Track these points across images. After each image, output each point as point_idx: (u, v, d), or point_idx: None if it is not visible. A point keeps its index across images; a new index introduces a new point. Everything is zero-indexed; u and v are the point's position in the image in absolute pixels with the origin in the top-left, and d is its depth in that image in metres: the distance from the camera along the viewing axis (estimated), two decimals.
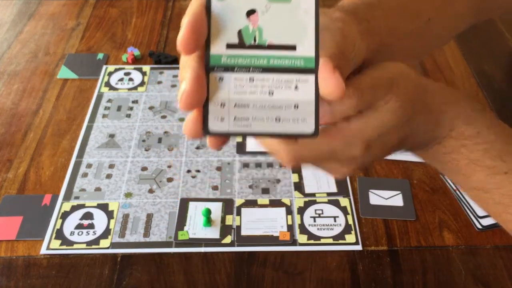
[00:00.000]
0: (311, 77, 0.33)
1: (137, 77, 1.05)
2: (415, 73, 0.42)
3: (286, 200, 0.80)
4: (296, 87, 0.33)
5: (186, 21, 0.33)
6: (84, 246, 0.74)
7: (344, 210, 0.79)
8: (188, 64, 0.34)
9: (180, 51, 0.33)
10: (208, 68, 0.33)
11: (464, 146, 0.43)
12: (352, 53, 0.38)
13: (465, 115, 0.43)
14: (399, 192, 0.82)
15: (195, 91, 0.33)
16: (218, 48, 0.33)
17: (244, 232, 0.76)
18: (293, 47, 0.33)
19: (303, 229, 0.76)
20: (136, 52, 1.10)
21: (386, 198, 0.81)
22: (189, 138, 0.37)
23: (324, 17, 0.37)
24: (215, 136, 0.34)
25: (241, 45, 0.33)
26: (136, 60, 1.10)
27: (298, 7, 0.33)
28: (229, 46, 0.33)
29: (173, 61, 1.09)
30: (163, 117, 0.96)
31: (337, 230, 0.76)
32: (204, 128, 0.33)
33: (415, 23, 0.53)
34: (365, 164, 0.42)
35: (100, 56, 1.11)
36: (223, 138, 0.35)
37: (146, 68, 1.07)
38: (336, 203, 0.80)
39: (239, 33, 0.33)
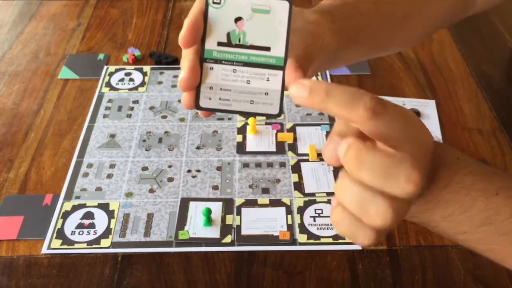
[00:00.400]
0: (280, 73, 0.43)
1: (137, 77, 1.05)
2: None
3: (286, 200, 0.81)
4: (267, 79, 0.43)
5: (187, 22, 0.42)
6: (84, 245, 0.74)
7: None
8: (186, 56, 0.43)
9: (181, 45, 0.42)
10: (202, 59, 0.43)
11: (456, 173, 0.42)
12: (319, 49, 0.48)
13: (439, 144, 0.44)
14: None
15: (191, 77, 0.43)
16: (211, 44, 0.43)
17: (244, 231, 0.76)
18: (268, 49, 0.43)
19: (303, 229, 0.76)
20: (137, 52, 1.10)
21: None
22: (185, 108, 0.43)
23: (300, 19, 0.46)
24: (204, 110, 0.44)
25: (228, 43, 0.43)
26: (136, 61, 1.10)
27: (275, 18, 0.42)
28: (219, 43, 0.43)
29: (174, 61, 1.09)
30: (164, 117, 0.96)
31: None
32: (196, 103, 0.43)
33: (390, 20, 0.59)
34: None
35: (101, 56, 1.11)
36: (209, 112, 0.45)
37: (146, 68, 1.07)
38: None
39: (228, 34, 0.43)
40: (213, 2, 0.42)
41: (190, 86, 0.43)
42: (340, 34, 0.51)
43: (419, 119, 0.41)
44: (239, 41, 0.43)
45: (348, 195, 0.38)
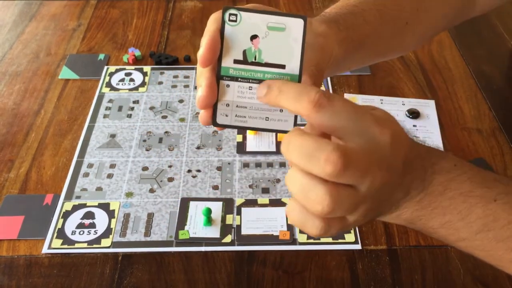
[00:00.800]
0: None
1: (138, 77, 1.06)
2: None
3: (286, 200, 0.81)
4: None
5: (205, 41, 0.42)
6: (85, 245, 0.75)
7: None
8: (203, 74, 0.43)
9: (200, 64, 0.43)
10: (219, 76, 0.44)
11: (453, 180, 0.43)
12: (329, 62, 0.50)
13: (436, 151, 0.44)
14: None
15: (208, 95, 0.43)
16: (227, 62, 0.43)
17: (244, 231, 0.76)
18: (283, 66, 0.43)
19: None
20: (137, 52, 1.11)
21: None
22: (202, 124, 0.46)
23: (309, 31, 0.45)
24: (220, 127, 0.45)
25: (244, 61, 0.43)
26: (137, 61, 1.10)
27: (290, 36, 0.43)
28: (236, 61, 0.43)
29: (174, 61, 1.09)
30: (164, 117, 0.96)
31: None
32: (213, 120, 0.44)
33: (393, 27, 0.60)
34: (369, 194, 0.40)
35: (101, 56, 1.11)
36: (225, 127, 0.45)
37: (147, 68, 1.08)
38: None
39: (244, 52, 0.43)
40: (230, 20, 0.43)
41: (208, 104, 0.43)
42: (346, 43, 0.53)
43: (378, 115, 0.41)
44: (255, 58, 0.43)
45: (294, 183, 0.40)
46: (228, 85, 0.44)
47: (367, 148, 0.39)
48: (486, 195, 0.43)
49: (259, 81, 0.43)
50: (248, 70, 0.43)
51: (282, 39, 0.43)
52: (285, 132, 0.43)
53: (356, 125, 0.39)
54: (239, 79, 0.43)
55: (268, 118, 0.44)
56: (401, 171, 0.42)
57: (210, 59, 0.42)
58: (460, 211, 0.43)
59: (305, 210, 0.40)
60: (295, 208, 0.41)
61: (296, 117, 0.44)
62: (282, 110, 0.44)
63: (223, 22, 0.43)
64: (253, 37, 0.43)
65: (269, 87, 0.41)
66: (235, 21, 0.43)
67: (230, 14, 0.42)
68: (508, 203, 0.43)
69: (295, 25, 0.42)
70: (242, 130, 0.45)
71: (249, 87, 0.44)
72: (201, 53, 0.42)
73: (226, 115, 0.44)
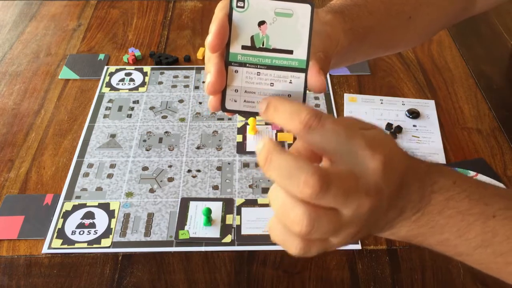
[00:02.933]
0: (302, 75, 0.44)
1: (138, 77, 1.06)
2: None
3: None
4: (290, 81, 0.44)
5: (213, 28, 0.42)
6: (85, 245, 0.75)
7: None
8: (212, 60, 0.43)
9: (208, 50, 0.43)
10: (228, 62, 0.44)
11: (451, 199, 0.42)
12: (335, 49, 0.50)
13: (436, 168, 0.44)
14: None
15: (217, 81, 0.43)
16: (235, 48, 0.43)
17: (244, 231, 0.76)
18: (290, 52, 0.43)
19: None
20: (137, 52, 1.11)
21: None
22: (212, 110, 0.45)
23: (316, 21, 0.44)
24: (229, 112, 0.45)
25: (252, 47, 0.43)
26: (137, 61, 1.10)
27: (297, 21, 0.43)
28: (244, 47, 0.43)
29: (174, 61, 1.09)
30: (164, 117, 0.96)
31: None
32: (222, 106, 0.44)
33: (397, 21, 0.61)
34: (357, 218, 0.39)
35: (101, 56, 1.11)
36: (234, 113, 0.45)
37: (147, 68, 1.08)
38: None
39: (252, 38, 0.43)
40: (237, 6, 0.43)
41: (217, 90, 0.43)
42: (351, 33, 0.53)
43: (371, 136, 0.40)
44: (263, 44, 0.43)
45: (275, 200, 0.39)
46: (236, 71, 0.44)
47: (355, 172, 0.39)
48: (485, 212, 0.42)
49: (267, 66, 0.43)
50: (256, 56, 0.43)
51: (289, 25, 0.43)
52: None
53: (346, 148, 0.39)
54: (247, 64, 0.44)
55: None
56: (395, 195, 0.41)
57: (218, 45, 0.42)
58: (458, 229, 0.42)
59: (285, 229, 0.39)
60: (276, 227, 0.40)
61: (305, 102, 0.44)
62: (290, 95, 0.44)
63: (230, 8, 0.43)
64: (261, 23, 0.43)
65: (267, 104, 0.41)
66: (243, 7, 0.43)
67: (238, 0, 0.42)
68: (507, 218, 0.42)
69: (303, 10, 0.42)
70: (250, 115, 0.46)
71: (257, 72, 0.44)
72: (209, 39, 0.42)
73: (235, 101, 0.44)
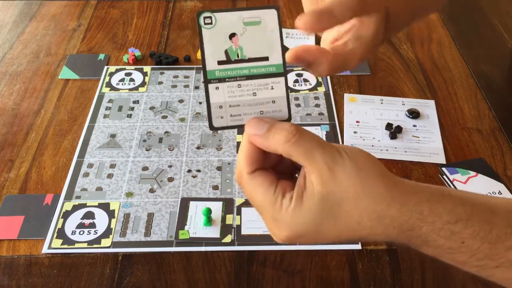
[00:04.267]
0: (282, 79, 0.44)
1: (138, 77, 1.06)
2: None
3: None
4: (272, 87, 0.44)
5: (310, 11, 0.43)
6: (85, 245, 0.75)
7: None
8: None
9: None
10: (206, 81, 0.43)
11: (448, 249, 0.42)
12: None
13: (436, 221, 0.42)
14: None
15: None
16: (212, 65, 0.43)
17: (244, 231, 0.76)
18: (266, 58, 0.44)
19: None
20: (137, 52, 1.11)
21: None
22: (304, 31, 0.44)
23: None
24: (218, 130, 0.44)
25: (228, 61, 0.43)
26: (137, 61, 1.10)
27: (266, 27, 0.43)
28: (220, 62, 0.43)
29: (174, 61, 1.09)
30: (164, 117, 0.96)
31: None
32: (209, 125, 0.44)
33: None
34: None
35: (101, 56, 1.11)
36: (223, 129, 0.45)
37: (147, 68, 1.08)
38: None
39: (226, 52, 0.43)
40: (205, 23, 0.43)
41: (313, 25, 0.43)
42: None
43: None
44: (238, 56, 0.43)
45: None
46: (217, 87, 0.44)
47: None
48: (487, 265, 0.42)
49: (247, 77, 0.44)
50: (233, 68, 0.43)
51: (259, 32, 0.43)
52: (284, 121, 0.44)
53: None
54: (227, 79, 0.44)
55: (262, 112, 0.44)
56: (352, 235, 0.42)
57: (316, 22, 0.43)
58: (454, 261, 0.43)
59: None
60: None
61: (289, 104, 0.45)
62: (274, 101, 0.44)
63: (199, 27, 0.43)
64: (232, 35, 0.43)
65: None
66: (211, 23, 0.43)
67: (204, 18, 0.43)
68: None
69: (269, 16, 0.43)
70: (240, 128, 0.45)
71: (238, 85, 0.44)
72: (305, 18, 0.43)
73: (221, 117, 0.44)
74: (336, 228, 0.41)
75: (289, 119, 0.45)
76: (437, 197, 0.41)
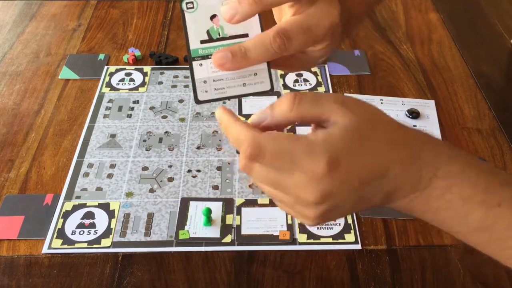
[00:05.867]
0: None
1: (138, 77, 1.06)
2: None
3: None
4: None
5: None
6: (85, 245, 0.75)
7: None
8: None
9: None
10: (190, 58, 0.47)
11: (456, 185, 0.42)
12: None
13: (446, 154, 0.44)
14: None
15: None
16: (195, 44, 0.47)
17: (244, 231, 0.76)
18: (246, 35, 0.47)
19: (303, 228, 0.77)
20: (137, 52, 1.11)
21: None
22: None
23: None
24: (203, 103, 0.47)
25: (210, 39, 0.47)
26: (137, 61, 1.10)
27: None
28: (202, 41, 0.47)
29: (174, 61, 1.09)
30: (164, 117, 0.96)
31: (337, 229, 0.77)
32: (195, 99, 0.47)
33: None
34: (334, 205, 0.42)
35: (101, 56, 1.11)
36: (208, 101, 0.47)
37: (147, 68, 1.08)
38: None
39: (207, 32, 0.47)
40: (187, 8, 0.46)
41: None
42: None
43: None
44: (219, 35, 0.47)
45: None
46: (201, 64, 0.47)
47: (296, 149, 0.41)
48: (489, 201, 0.42)
49: None
50: (215, 46, 0.47)
51: None
52: (265, 92, 0.47)
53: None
54: (209, 56, 0.46)
55: (245, 84, 0.47)
56: (374, 177, 0.42)
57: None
58: (457, 213, 0.43)
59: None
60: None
61: (270, 75, 0.47)
62: (256, 74, 0.47)
63: (182, 12, 0.46)
64: (212, 16, 0.46)
65: (219, 121, 0.45)
66: (193, 7, 0.46)
67: (187, 3, 0.46)
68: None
69: None
70: (225, 100, 0.48)
71: None
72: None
73: (206, 91, 0.47)
74: (373, 150, 0.42)
75: (271, 90, 0.47)
76: (441, 147, 0.45)
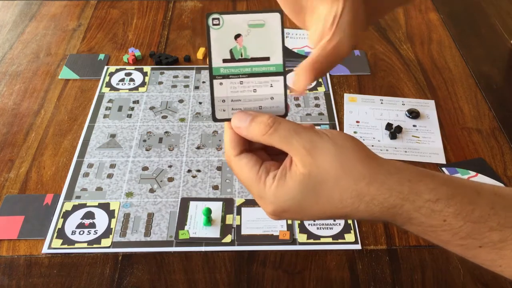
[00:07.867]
0: (281, 78, 0.48)
1: (138, 77, 1.06)
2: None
3: None
4: (271, 85, 0.48)
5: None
6: (85, 245, 0.75)
7: None
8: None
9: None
10: (212, 76, 0.47)
11: (431, 227, 0.44)
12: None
13: (428, 208, 0.43)
14: None
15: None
16: (217, 63, 0.47)
17: (244, 231, 0.76)
18: (267, 58, 0.47)
19: (303, 228, 0.77)
20: (137, 52, 1.11)
21: None
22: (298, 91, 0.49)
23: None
24: (220, 121, 0.48)
25: (232, 59, 0.47)
26: (137, 61, 1.10)
27: (270, 30, 0.46)
28: (225, 60, 0.47)
29: (174, 61, 1.09)
30: (164, 117, 0.96)
31: (337, 229, 0.77)
32: (212, 117, 0.48)
33: None
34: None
35: (101, 56, 1.11)
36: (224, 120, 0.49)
37: (147, 68, 1.08)
38: None
39: (231, 51, 0.47)
40: (213, 24, 0.46)
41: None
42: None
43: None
44: (241, 55, 0.47)
45: None
46: (221, 83, 0.47)
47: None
48: (471, 244, 0.44)
49: (248, 74, 0.47)
50: (237, 67, 0.47)
51: (263, 34, 0.46)
52: (281, 116, 0.47)
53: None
54: (230, 76, 0.47)
55: (261, 107, 0.48)
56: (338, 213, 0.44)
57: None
58: (440, 240, 0.45)
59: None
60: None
61: (286, 102, 0.48)
62: (273, 98, 0.48)
63: (207, 27, 0.46)
64: (237, 36, 0.46)
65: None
66: (218, 24, 0.46)
67: (213, 19, 0.46)
68: (494, 247, 0.43)
69: (273, 19, 0.46)
70: None
71: (240, 81, 0.47)
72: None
73: (224, 110, 0.48)
74: (319, 206, 0.44)
75: (285, 114, 0.48)
76: (420, 177, 0.43)
